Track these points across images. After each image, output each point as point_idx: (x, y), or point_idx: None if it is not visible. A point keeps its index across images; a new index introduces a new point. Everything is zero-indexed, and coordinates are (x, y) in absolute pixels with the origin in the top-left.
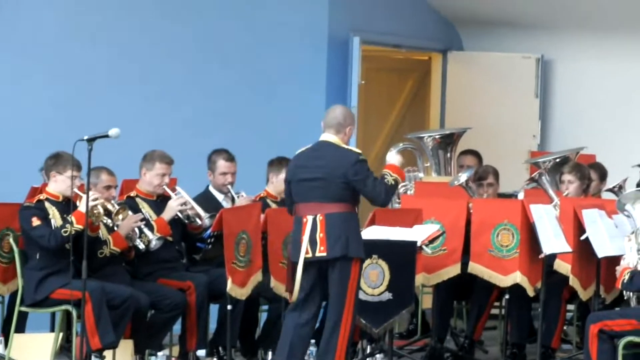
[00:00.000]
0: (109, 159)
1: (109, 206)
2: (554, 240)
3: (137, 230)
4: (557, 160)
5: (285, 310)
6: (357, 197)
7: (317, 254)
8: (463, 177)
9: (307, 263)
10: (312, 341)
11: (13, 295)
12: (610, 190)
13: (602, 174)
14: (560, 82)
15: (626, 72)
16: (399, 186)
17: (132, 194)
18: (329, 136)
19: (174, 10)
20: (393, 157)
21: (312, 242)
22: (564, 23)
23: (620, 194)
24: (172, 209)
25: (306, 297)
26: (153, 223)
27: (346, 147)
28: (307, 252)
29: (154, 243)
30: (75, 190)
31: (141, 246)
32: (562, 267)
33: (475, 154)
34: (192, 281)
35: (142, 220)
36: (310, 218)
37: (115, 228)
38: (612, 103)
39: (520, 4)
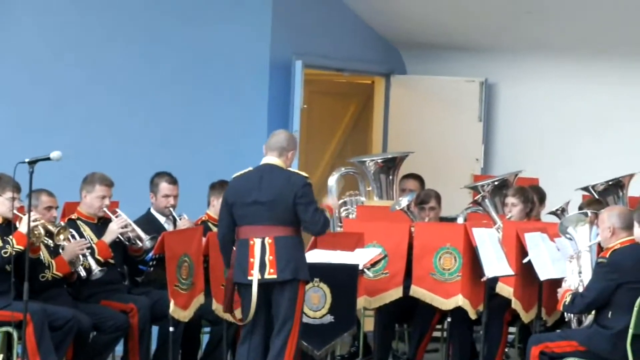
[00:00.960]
0: (51, 182)
1: (50, 227)
2: (496, 263)
3: (80, 256)
4: (496, 183)
5: (226, 331)
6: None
7: (267, 276)
8: (404, 201)
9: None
10: None
11: None
12: (553, 213)
13: (541, 196)
14: (503, 106)
15: (570, 95)
16: (341, 209)
17: (73, 216)
18: (272, 159)
19: (113, 32)
20: (332, 201)
21: (262, 264)
22: (507, 47)
23: (562, 217)
24: (113, 231)
25: (253, 320)
26: (94, 246)
27: (292, 170)
28: (253, 275)
29: (97, 274)
30: (15, 211)
31: (83, 273)
32: (505, 290)
33: (418, 178)
34: (135, 303)
35: (88, 248)
36: (258, 241)
37: (61, 251)
38: (556, 126)
39: (464, 28)
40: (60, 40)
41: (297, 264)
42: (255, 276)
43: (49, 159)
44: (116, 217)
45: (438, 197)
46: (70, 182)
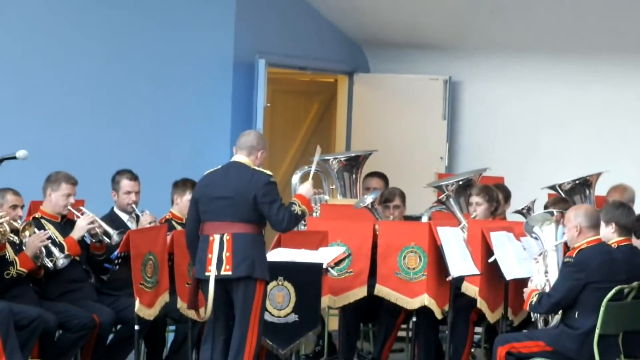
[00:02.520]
0: (15, 180)
1: (15, 224)
2: (461, 262)
3: (43, 249)
4: (461, 182)
5: (191, 329)
6: (264, 218)
7: (223, 273)
8: (369, 199)
9: (214, 282)
10: None
11: None
12: (519, 212)
13: (506, 194)
14: (468, 104)
15: (534, 94)
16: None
17: (37, 215)
18: (240, 157)
19: (79, 32)
20: (304, 188)
21: (219, 260)
22: (471, 45)
23: (528, 216)
24: (81, 227)
25: (214, 318)
26: (63, 242)
27: (257, 168)
28: (211, 271)
29: (61, 261)
30: None
31: (49, 265)
32: (470, 289)
33: (382, 176)
34: (99, 316)
35: (48, 238)
36: (217, 237)
37: (24, 248)
38: (520, 125)
39: (427, 26)
40: (24, 39)
41: (253, 261)
42: (212, 272)
43: (15, 157)
44: (81, 214)
45: (402, 196)
46: (33, 180)
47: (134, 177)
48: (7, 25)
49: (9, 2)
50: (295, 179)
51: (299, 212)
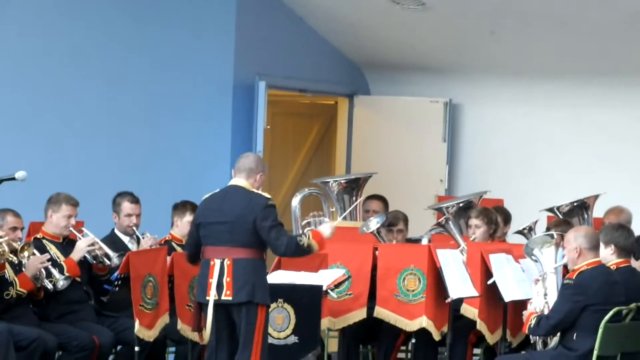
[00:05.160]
0: (14, 201)
1: (14, 244)
2: (460, 284)
3: (43, 270)
4: (461, 205)
5: (191, 351)
6: (265, 242)
7: (223, 298)
8: (373, 223)
9: (216, 306)
10: None
11: None
12: (520, 232)
13: (506, 217)
14: (468, 127)
15: (533, 116)
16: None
17: (39, 235)
18: (239, 180)
19: (80, 54)
20: (326, 228)
21: (219, 285)
22: (471, 68)
23: (529, 236)
24: (81, 249)
25: (217, 341)
26: (62, 263)
27: (256, 191)
28: (214, 295)
29: (61, 283)
30: None
31: (49, 286)
32: (469, 311)
33: (381, 199)
34: (99, 337)
35: (48, 260)
36: (218, 262)
37: (23, 269)
38: (520, 147)
39: (428, 48)
40: (23, 59)
41: (254, 286)
42: (212, 297)
43: (14, 178)
44: (82, 236)
45: (406, 220)
46: (33, 202)
47: (135, 200)
48: (5, 46)
49: (7, 24)
50: (295, 201)
51: (305, 245)
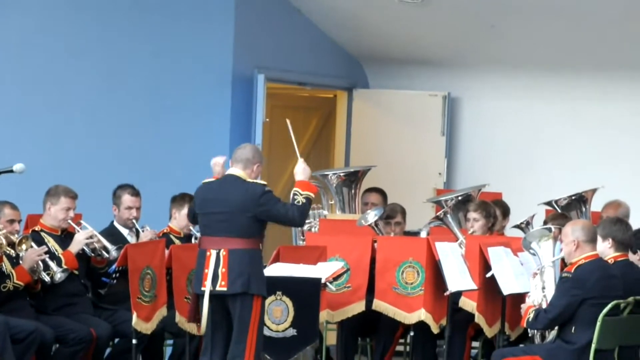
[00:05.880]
0: (12, 194)
1: (12, 237)
2: (459, 277)
3: (40, 263)
4: (460, 198)
5: (189, 343)
6: (261, 233)
7: (218, 288)
8: (371, 217)
9: (212, 297)
10: None
11: None
12: (518, 226)
13: (505, 210)
14: (466, 120)
15: (532, 110)
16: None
17: (37, 228)
18: (235, 170)
19: (78, 46)
20: (299, 170)
21: (215, 276)
22: (470, 61)
23: (527, 230)
24: (79, 242)
25: (213, 332)
26: (60, 256)
27: (252, 180)
28: (209, 286)
29: (59, 275)
30: None
31: (47, 279)
32: (468, 304)
33: (380, 192)
34: (97, 330)
35: (45, 253)
36: (214, 252)
37: (20, 262)
38: (518, 141)
39: (427, 42)
40: (21, 50)
41: (249, 277)
42: (207, 287)
43: (12, 171)
44: (81, 228)
45: (404, 212)
46: (31, 194)
47: (135, 193)
48: (4, 37)
49: (5, 21)
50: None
51: (304, 201)
